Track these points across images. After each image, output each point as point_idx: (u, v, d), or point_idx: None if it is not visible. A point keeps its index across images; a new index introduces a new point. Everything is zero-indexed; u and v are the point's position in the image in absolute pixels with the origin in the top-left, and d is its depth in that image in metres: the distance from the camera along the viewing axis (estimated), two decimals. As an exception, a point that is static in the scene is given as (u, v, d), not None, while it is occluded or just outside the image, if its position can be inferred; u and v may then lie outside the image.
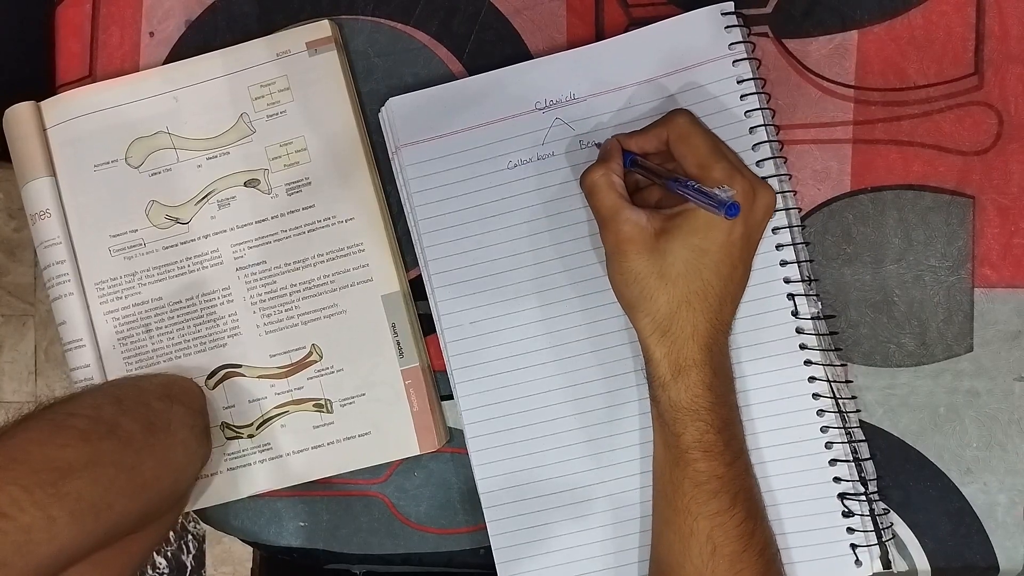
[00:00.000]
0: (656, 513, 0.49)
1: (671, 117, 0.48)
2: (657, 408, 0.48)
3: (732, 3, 0.51)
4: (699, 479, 0.46)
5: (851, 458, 0.50)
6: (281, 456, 0.54)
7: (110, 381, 0.54)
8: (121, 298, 0.55)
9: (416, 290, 0.55)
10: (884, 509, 0.51)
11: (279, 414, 0.55)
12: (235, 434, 0.55)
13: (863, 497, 0.50)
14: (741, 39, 0.51)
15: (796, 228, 0.51)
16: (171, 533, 1.33)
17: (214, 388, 0.55)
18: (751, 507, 0.47)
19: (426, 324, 0.55)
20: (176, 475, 0.49)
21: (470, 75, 0.54)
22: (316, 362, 0.54)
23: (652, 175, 0.48)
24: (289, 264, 0.54)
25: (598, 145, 0.52)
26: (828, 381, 0.50)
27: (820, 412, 0.50)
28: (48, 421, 0.45)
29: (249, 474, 0.55)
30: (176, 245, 0.55)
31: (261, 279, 0.55)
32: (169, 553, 1.34)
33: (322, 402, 0.54)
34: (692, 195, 0.45)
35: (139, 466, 0.46)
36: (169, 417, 0.49)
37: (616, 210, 0.47)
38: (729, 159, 0.46)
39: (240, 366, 0.55)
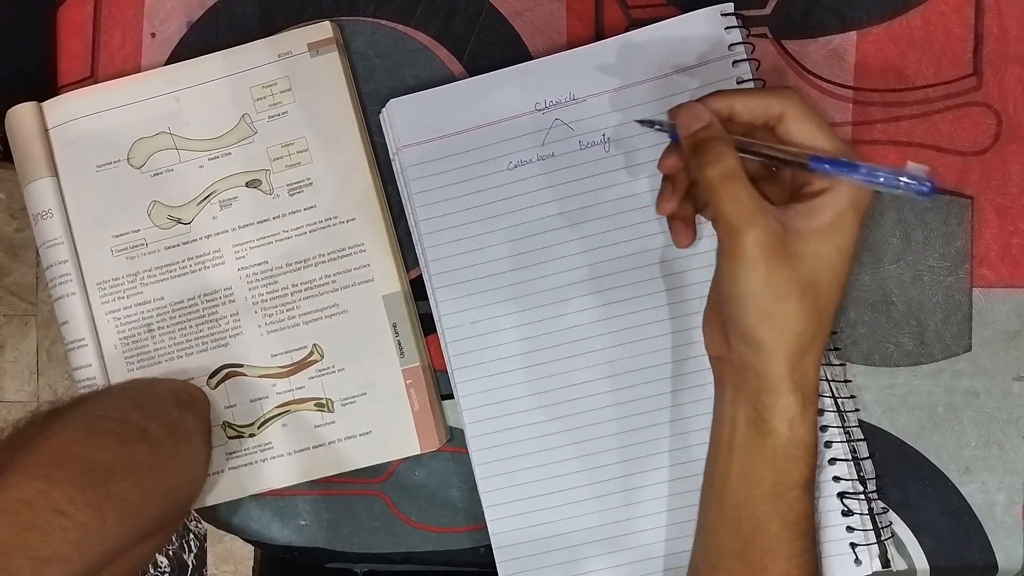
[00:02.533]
0: (718, 538, 0.45)
1: (789, 92, 0.41)
2: (764, 440, 0.41)
3: (731, 4, 0.51)
4: (791, 517, 0.42)
5: (850, 457, 0.50)
6: (282, 455, 0.55)
7: (123, 383, 0.55)
8: (123, 298, 0.55)
9: (417, 290, 0.55)
10: (883, 508, 0.51)
11: (280, 413, 0.55)
12: (237, 433, 0.55)
13: (862, 496, 0.50)
14: (740, 40, 0.51)
15: (795, 228, 0.51)
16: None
17: (216, 388, 0.55)
18: (813, 538, 0.44)
19: (427, 324, 0.55)
20: (193, 481, 0.51)
21: (470, 76, 0.54)
22: (317, 362, 0.55)
23: (773, 155, 0.40)
24: (290, 264, 0.55)
25: (646, 123, 0.45)
26: (827, 380, 0.51)
27: (819, 411, 0.50)
28: (82, 423, 0.46)
29: (250, 473, 0.55)
30: (178, 245, 0.55)
31: (263, 279, 0.55)
32: (171, 552, 1.34)
33: (323, 401, 0.55)
34: (872, 176, 0.38)
35: (168, 471, 0.47)
36: (187, 426, 0.50)
37: (761, 203, 0.38)
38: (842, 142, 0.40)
39: (242, 366, 0.55)
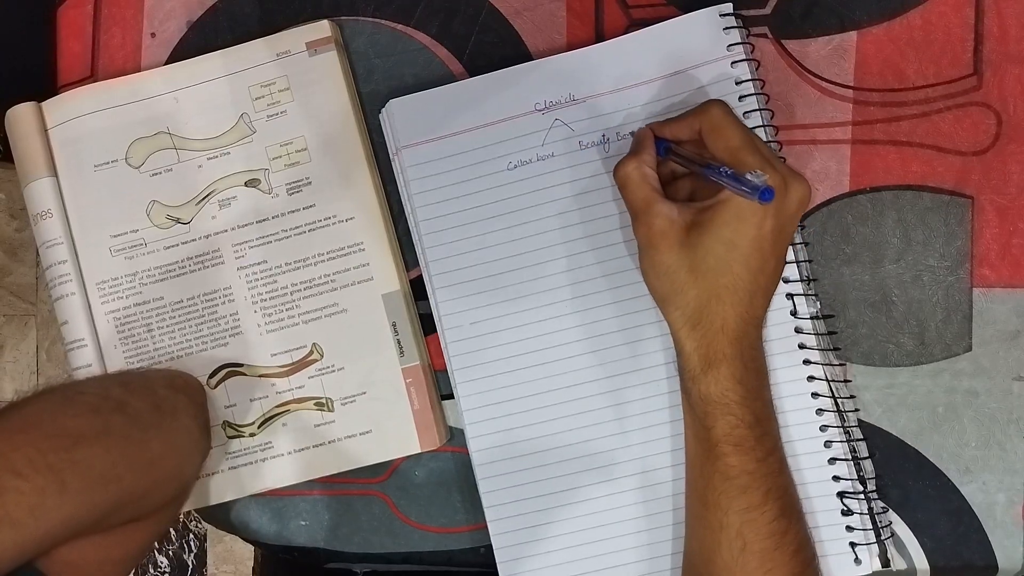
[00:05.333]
0: (688, 507, 0.49)
1: (705, 108, 0.47)
2: (688, 401, 0.48)
3: (731, 4, 0.51)
4: (729, 473, 0.46)
5: (850, 457, 0.50)
6: (282, 455, 0.55)
7: (115, 371, 0.55)
8: (122, 298, 0.55)
9: (416, 290, 0.55)
10: (883, 508, 0.51)
11: (280, 413, 0.55)
12: (236, 433, 0.55)
13: (862, 496, 0.50)
14: (740, 40, 0.51)
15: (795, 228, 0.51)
16: (172, 532, 1.34)
17: (215, 387, 0.55)
18: (784, 505, 0.47)
19: (426, 324, 0.55)
20: (180, 459, 0.49)
21: (470, 76, 0.54)
22: (317, 361, 0.55)
23: (686, 162, 0.48)
24: (290, 263, 0.55)
25: (631, 135, 0.52)
26: (827, 381, 0.51)
27: (819, 411, 0.50)
28: (59, 394, 0.45)
29: (250, 473, 0.55)
30: (177, 245, 0.55)
31: (262, 278, 0.55)
32: (171, 552, 1.34)
33: (323, 401, 0.55)
34: (726, 181, 0.44)
35: (146, 442, 0.46)
36: (174, 403, 0.50)
37: (649, 203, 0.47)
38: (762, 151, 0.46)
39: (241, 365, 0.55)
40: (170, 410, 0.49)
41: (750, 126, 0.50)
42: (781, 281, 0.50)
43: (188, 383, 0.53)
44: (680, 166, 0.49)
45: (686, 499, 0.50)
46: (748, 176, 0.43)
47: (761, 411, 0.47)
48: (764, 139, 0.50)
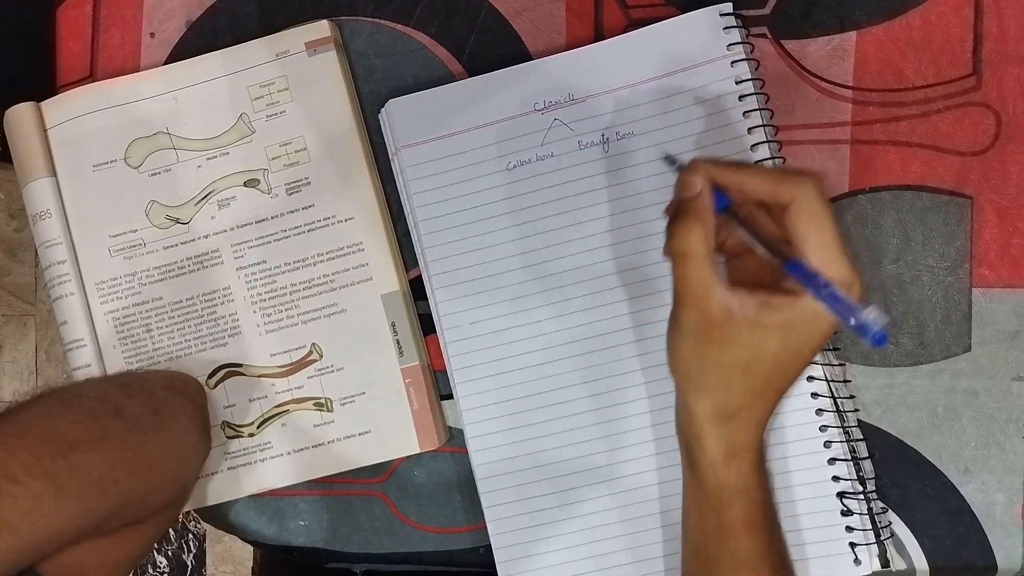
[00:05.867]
0: (688, 572, 0.47)
1: (804, 180, 0.39)
2: (698, 480, 0.44)
3: (731, 4, 0.51)
4: (739, 555, 0.43)
5: (849, 457, 0.50)
6: (281, 455, 0.55)
7: (114, 373, 0.55)
8: (121, 298, 0.55)
9: (416, 290, 0.55)
10: (882, 508, 0.51)
11: (279, 413, 0.55)
12: (235, 433, 0.55)
13: (861, 496, 0.50)
14: (740, 40, 0.51)
15: (795, 228, 0.51)
16: (171, 532, 1.33)
17: (215, 387, 0.55)
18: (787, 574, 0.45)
19: (426, 324, 0.55)
20: (179, 461, 0.49)
21: (470, 76, 0.54)
22: (316, 361, 0.55)
23: (757, 240, 0.40)
24: (289, 263, 0.55)
25: (669, 160, 0.45)
26: (826, 381, 0.50)
27: (819, 411, 0.50)
28: (57, 398, 0.45)
29: (249, 473, 0.55)
30: (176, 245, 0.55)
31: (261, 279, 0.55)
32: (170, 552, 1.34)
33: (322, 401, 0.54)
34: (825, 298, 0.37)
35: (144, 446, 0.46)
36: (173, 405, 0.50)
37: (707, 287, 0.40)
38: (851, 257, 0.39)
39: (240, 365, 0.55)
40: (168, 413, 0.49)
41: (749, 126, 0.51)
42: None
43: (187, 384, 0.53)
44: (737, 229, 0.42)
45: (685, 563, 0.47)
46: (861, 311, 0.36)
47: (772, 490, 0.45)
48: (763, 139, 0.50)
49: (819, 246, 0.39)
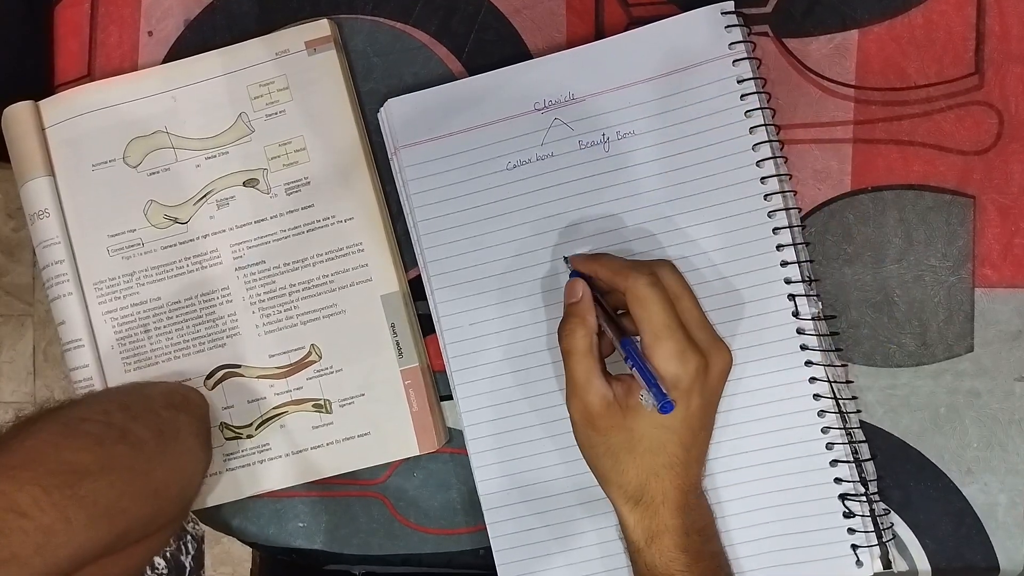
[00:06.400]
0: None
1: (635, 276, 0.46)
2: (632, 558, 0.48)
3: (732, 2, 0.51)
4: None
5: (852, 459, 0.50)
6: (280, 457, 0.54)
7: (114, 387, 0.54)
8: (120, 298, 0.55)
9: (415, 290, 0.55)
10: (885, 509, 0.51)
11: (278, 414, 0.54)
12: (234, 435, 0.55)
13: (864, 498, 0.50)
14: (741, 39, 0.51)
15: (796, 228, 0.51)
16: (170, 533, 1.33)
17: (213, 388, 0.55)
18: None
19: (425, 324, 0.55)
20: (184, 482, 0.50)
21: (470, 75, 0.54)
22: (315, 362, 0.54)
23: (606, 321, 0.47)
24: (288, 264, 0.54)
25: (566, 260, 0.51)
26: (829, 381, 0.50)
27: (821, 413, 0.50)
28: (61, 424, 0.45)
29: (248, 475, 0.54)
30: (175, 245, 0.55)
31: (260, 279, 0.54)
32: (168, 554, 1.34)
33: (321, 402, 0.54)
34: (637, 371, 0.45)
35: (151, 472, 0.46)
36: (177, 426, 0.50)
37: (588, 379, 0.46)
38: (682, 332, 0.45)
39: (239, 366, 0.55)
40: (173, 434, 0.49)
41: (751, 125, 0.50)
42: (783, 282, 0.50)
43: (188, 398, 0.53)
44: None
45: None
46: (658, 384, 0.44)
47: (709, 566, 0.47)
48: (765, 138, 0.50)
49: (648, 329, 0.45)
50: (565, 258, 0.52)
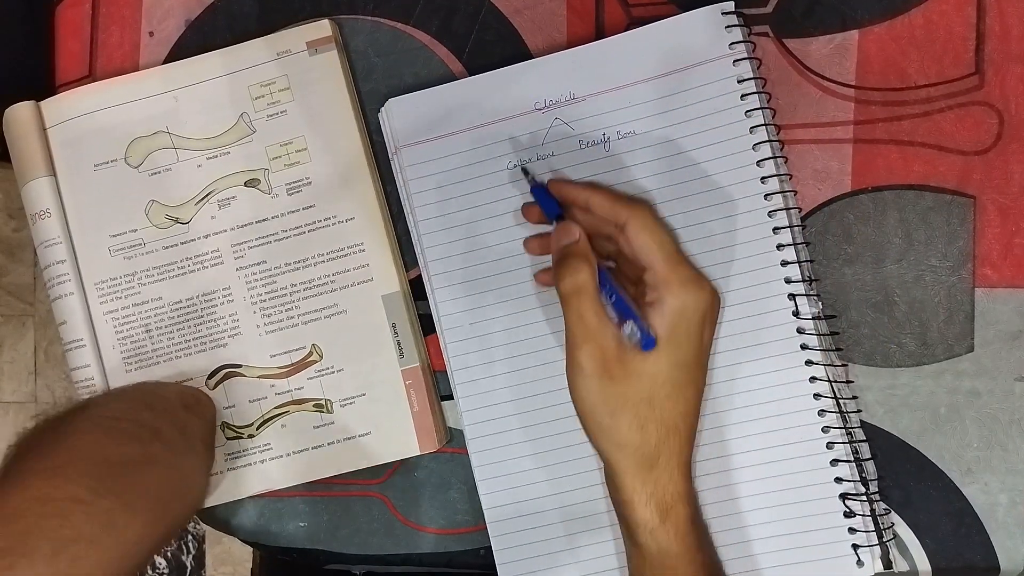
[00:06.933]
0: None
1: (641, 204, 0.45)
2: (639, 550, 0.44)
3: (732, 3, 0.51)
4: None
5: (852, 458, 0.50)
6: (281, 456, 0.54)
7: (128, 387, 0.54)
8: (121, 298, 0.55)
9: (416, 290, 0.55)
10: (885, 509, 0.51)
11: (279, 414, 0.55)
12: (235, 434, 0.55)
13: (864, 497, 0.50)
14: (741, 39, 0.51)
15: (796, 228, 0.51)
16: (171, 533, 1.33)
17: (214, 388, 0.55)
18: None
19: (426, 324, 0.55)
20: (202, 483, 0.50)
21: (470, 75, 0.54)
22: (316, 362, 0.54)
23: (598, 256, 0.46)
24: (289, 264, 0.54)
25: (524, 171, 0.50)
26: (829, 381, 0.50)
27: (821, 412, 0.50)
28: (95, 425, 0.45)
29: (249, 474, 0.55)
30: (176, 245, 0.55)
31: (261, 279, 0.55)
32: (169, 553, 1.34)
33: (322, 402, 0.54)
34: (616, 305, 0.42)
35: (182, 468, 0.47)
36: (193, 426, 0.50)
37: (601, 320, 0.42)
38: (684, 257, 0.44)
39: (240, 366, 0.55)
40: (191, 434, 0.50)
41: (751, 125, 0.50)
42: (783, 282, 0.50)
43: (199, 400, 0.53)
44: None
45: None
46: (636, 321, 0.41)
47: (710, 544, 0.45)
48: (765, 138, 0.50)
49: (661, 257, 0.43)
50: (524, 170, 0.49)
